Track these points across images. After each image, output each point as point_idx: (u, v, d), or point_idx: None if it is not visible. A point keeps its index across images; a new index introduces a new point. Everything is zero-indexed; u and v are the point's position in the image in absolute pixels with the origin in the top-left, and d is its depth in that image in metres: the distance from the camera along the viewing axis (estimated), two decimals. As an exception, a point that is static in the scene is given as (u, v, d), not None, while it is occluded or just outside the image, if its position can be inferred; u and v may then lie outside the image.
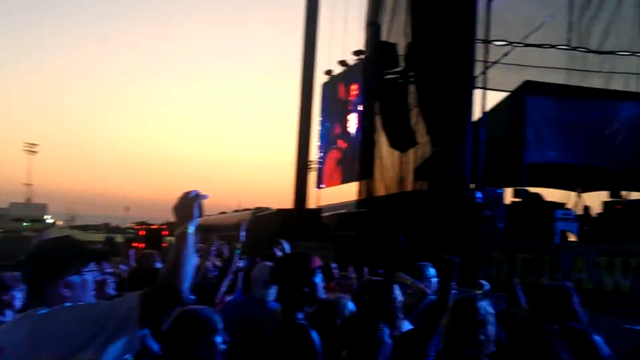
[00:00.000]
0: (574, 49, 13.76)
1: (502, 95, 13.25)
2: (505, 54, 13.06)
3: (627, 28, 13.79)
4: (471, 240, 9.94)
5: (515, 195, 11.89)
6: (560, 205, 11.62)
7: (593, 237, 10.83)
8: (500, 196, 11.38)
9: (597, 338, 3.64)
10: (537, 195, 11.81)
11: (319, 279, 3.28)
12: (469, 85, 11.82)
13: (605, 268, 8.31)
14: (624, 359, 4.00)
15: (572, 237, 10.51)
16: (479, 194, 10.70)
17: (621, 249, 8.56)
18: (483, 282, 6.32)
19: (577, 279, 8.50)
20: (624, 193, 11.61)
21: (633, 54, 13.67)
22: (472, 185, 11.07)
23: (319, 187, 21.65)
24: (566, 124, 12.49)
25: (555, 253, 9.19)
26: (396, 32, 13.97)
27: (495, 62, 12.74)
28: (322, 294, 3.27)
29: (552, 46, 13.90)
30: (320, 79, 21.36)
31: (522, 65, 13.69)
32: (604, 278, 8.29)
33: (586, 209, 12.48)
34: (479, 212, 10.45)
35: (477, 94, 11.96)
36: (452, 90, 11.69)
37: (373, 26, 15.07)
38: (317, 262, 3.38)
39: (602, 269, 8.35)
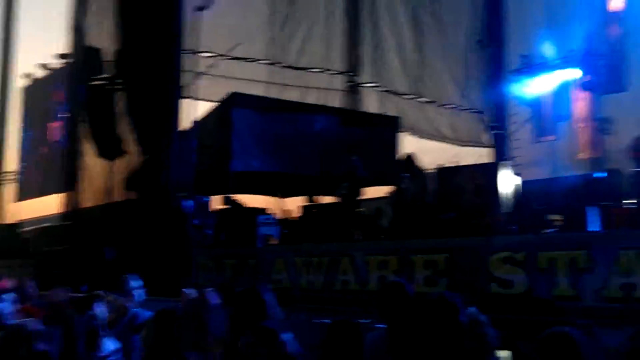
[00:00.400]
0: (274, 63, 14.73)
1: (213, 105, 13.65)
2: (212, 66, 13.49)
3: (319, 46, 15.19)
4: (179, 248, 10.09)
5: (223, 202, 12.33)
6: (263, 211, 12.37)
7: (292, 239, 11.73)
8: (208, 204, 11.73)
9: (287, 336, 3.98)
10: (240, 202, 12.40)
11: (3, 305, 3.08)
12: (177, 94, 11.96)
13: (302, 267, 9.11)
14: (314, 351, 4.42)
15: (273, 241, 11.25)
16: (188, 203, 10.90)
17: (315, 249, 9.45)
18: (188, 291, 6.48)
19: (277, 279, 9.19)
20: (318, 198, 12.75)
21: (324, 70, 15.10)
22: (181, 194, 11.22)
23: (19, 200, 19.91)
24: (268, 134, 13.33)
25: (258, 256, 9.79)
26: (102, 37, 13.53)
27: (202, 73, 13.09)
28: (7, 319, 3.08)
29: (255, 60, 14.72)
30: (19, 82, 19.74)
31: (228, 77, 14.23)
32: (300, 277, 9.08)
33: (286, 213, 13.44)
34: (187, 221, 10.64)
35: (187, 103, 12.17)
36: (160, 99, 11.72)
37: (78, 29, 14.40)
38: (4, 284, 3.18)
39: (298, 269, 9.13)
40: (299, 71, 14.85)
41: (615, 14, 12.03)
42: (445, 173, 11.13)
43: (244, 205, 12.30)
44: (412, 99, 14.25)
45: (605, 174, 9.27)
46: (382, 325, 4.53)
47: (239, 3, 14.53)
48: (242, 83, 14.34)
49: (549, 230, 8.59)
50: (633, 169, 8.90)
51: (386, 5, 14.57)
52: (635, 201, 8.56)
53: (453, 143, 14.02)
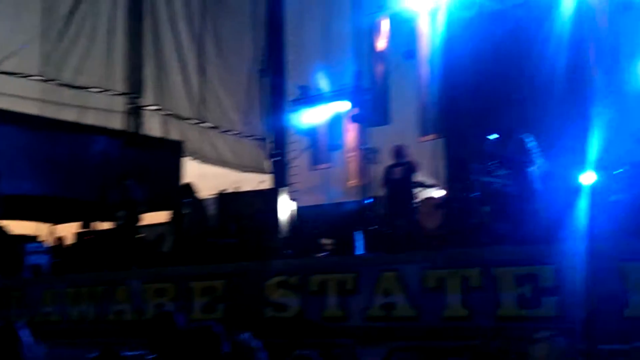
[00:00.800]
0: (48, 80, 13.82)
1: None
2: (-26, 80, 12.35)
3: (99, 66, 14.55)
4: None
5: (-15, 229, 11.28)
6: (32, 239, 11.53)
7: (64, 268, 11.05)
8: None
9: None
10: (4, 228, 11.45)
11: None
12: None
13: (72, 298, 8.61)
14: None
15: (43, 271, 10.52)
16: None
17: (87, 278, 8.99)
18: None
19: (45, 312, 8.60)
20: (94, 224, 12.17)
21: (104, 91, 14.47)
22: None
23: None
24: (40, 155, 12.47)
25: (23, 288, 9.08)
26: None
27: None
28: None
29: (27, 76, 13.70)
30: None
31: (-5, 93, 13.07)
32: (71, 309, 8.57)
33: (59, 240, 12.66)
34: None
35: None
36: None
37: None
38: None
39: (69, 300, 8.62)
40: (76, 90, 14.07)
41: (380, 53, 13.18)
42: (226, 198, 11.31)
43: (9, 232, 11.36)
44: (195, 123, 14.22)
45: (371, 201, 10.04)
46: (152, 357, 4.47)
47: (9, 14, 13.49)
48: (11, 100, 13.24)
49: (321, 254, 9.07)
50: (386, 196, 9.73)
51: (170, 28, 14.44)
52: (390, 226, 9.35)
53: (235, 169, 14.20)
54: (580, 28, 11.15)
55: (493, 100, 12.46)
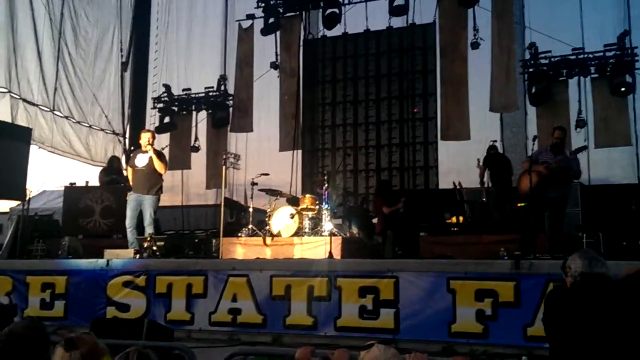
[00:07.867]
0: None
1: None
2: None
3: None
4: None
5: None
6: None
7: None
8: None
9: None
10: None
11: None
12: None
13: None
14: None
15: None
16: None
17: None
18: None
19: None
20: None
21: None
22: None
23: None
24: None
25: None
26: None
27: None
28: None
29: None
30: None
31: None
32: None
33: None
34: None
35: None
36: None
37: None
38: None
39: None
40: None
41: (247, 61, 13.23)
42: (73, 192, 10.84)
43: None
44: (47, 111, 13.40)
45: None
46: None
47: None
48: None
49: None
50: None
51: (28, 7, 13.48)
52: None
53: (86, 162, 13.56)
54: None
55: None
